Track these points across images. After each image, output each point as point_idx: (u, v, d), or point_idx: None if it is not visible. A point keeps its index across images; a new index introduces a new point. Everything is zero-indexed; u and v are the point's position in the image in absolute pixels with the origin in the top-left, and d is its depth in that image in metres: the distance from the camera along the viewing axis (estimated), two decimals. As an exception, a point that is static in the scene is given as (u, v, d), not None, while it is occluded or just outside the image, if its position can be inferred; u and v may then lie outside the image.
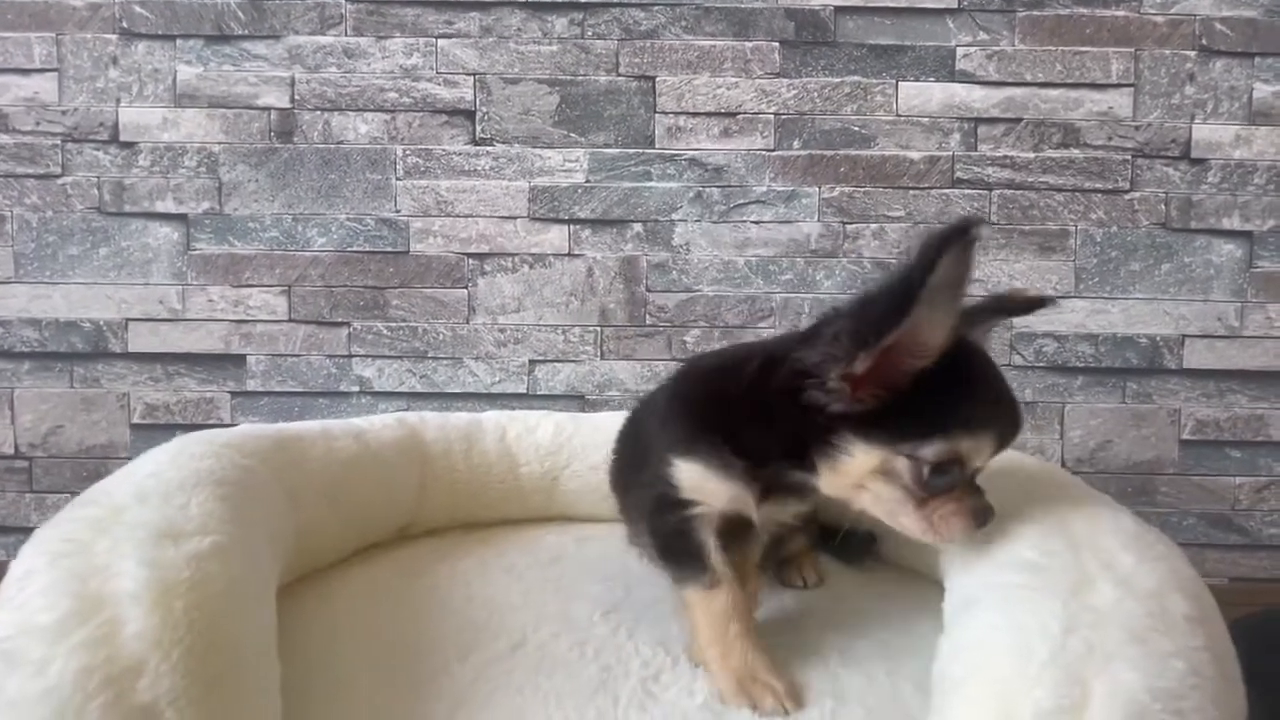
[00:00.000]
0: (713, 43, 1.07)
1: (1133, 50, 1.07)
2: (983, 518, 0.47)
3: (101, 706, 0.33)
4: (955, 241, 0.40)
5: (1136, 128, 1.08)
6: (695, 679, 0.53)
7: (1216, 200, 1.09)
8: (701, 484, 0.53)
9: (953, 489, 0.46)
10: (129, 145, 1.07)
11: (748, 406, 0.51)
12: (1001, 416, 0.48)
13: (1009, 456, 0.68)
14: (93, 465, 1.10)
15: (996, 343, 1.10)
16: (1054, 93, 1.08)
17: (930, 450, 0.45)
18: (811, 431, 0.48)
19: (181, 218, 1.09)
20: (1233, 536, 1.11)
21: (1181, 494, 1.11)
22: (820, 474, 0.49)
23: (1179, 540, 1.10)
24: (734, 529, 0.55)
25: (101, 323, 1.09)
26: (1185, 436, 1.10)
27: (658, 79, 1.08)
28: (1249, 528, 1.11)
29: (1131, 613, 0.37)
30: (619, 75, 1.08)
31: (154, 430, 1.10)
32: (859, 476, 0.47)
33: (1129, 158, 1.08)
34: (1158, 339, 1.10)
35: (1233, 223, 1.09)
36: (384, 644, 0.58)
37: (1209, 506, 1.11)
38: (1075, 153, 1.08)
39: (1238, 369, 1.09)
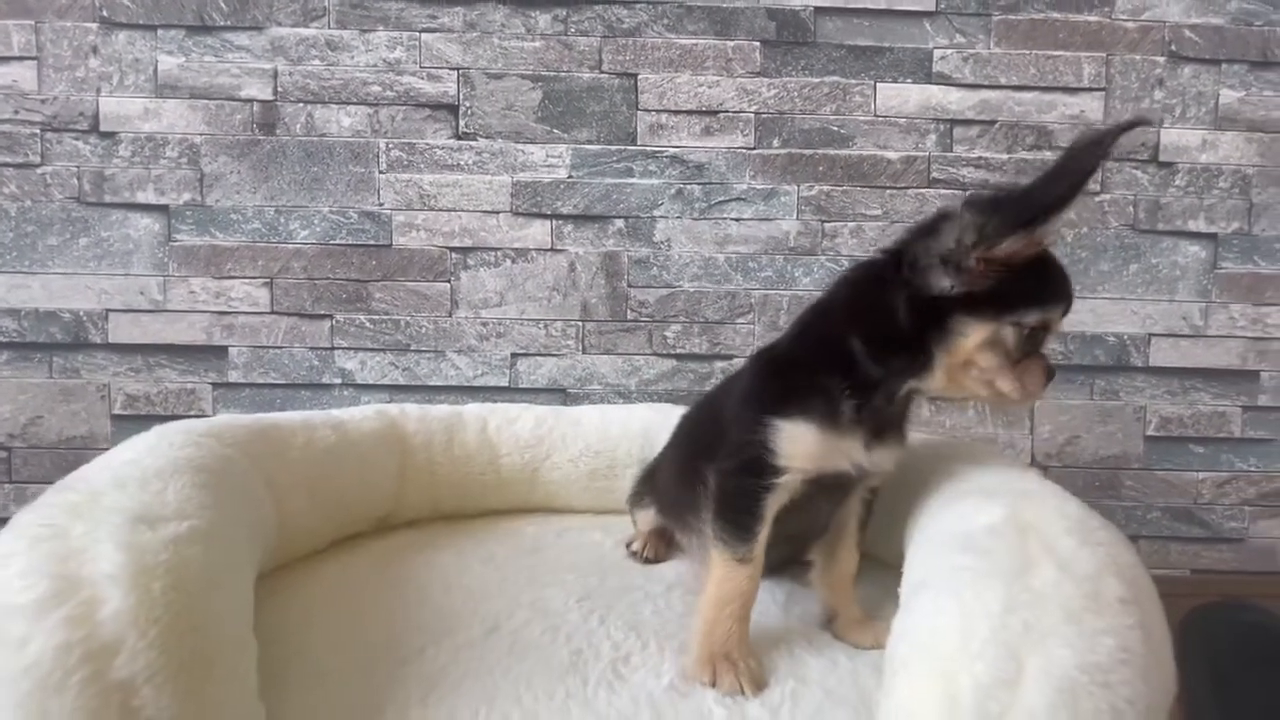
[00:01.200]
0: (695, 41, 1.09)
1: (1104, 55, 1.10)
2: (1051, 372, 0.57)
3: (80, 682, 0.35)
4: (1115, 142, 0.50)
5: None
6: (664, 662, 0.55)
7: (1183, 203, 1.12)
8: (803, 443, 0.56)
9: (1036, 351, 0.56)
10: (109, 135, 1.07)
11: (860, 331, 0.57)
12: (1069, 291, 0.58)
13: (975, 452, 0.70)
14: (73, 456, 1.10)
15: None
16: (1028, 96, 1.10)
17: (1031, 317, 0.55)
18: (929, 322, 0.55)
19: (163, 209, 1.08)
20: (1195, 529, 1.15)
21: (1146, 488, 1.14)
22: (936, 365, 0.56)
23: (1143, 533, 1.15)
24: (823, 492, 0.59)
25: (81, 313, 1.09)
26: (1150, 433, 1.14)
27: (640, 76, 1.09)
28: (1210, 521, 1.15)
29: (1069, 594, 0.39)
30: (602, 72, 1.09)
31: (135, 421, 1.10)
32: (970, 352, 0.55)
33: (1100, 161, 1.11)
34: (1125, 337, 1.13)
35: (1198, 225, 1.12)
36: (360, 630, 0.59)
37: (1172, 500, 1.14)
38: (1048, 154, 1.10)
39: (1201, 367, 1.13)
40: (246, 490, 0.60)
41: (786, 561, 0.70)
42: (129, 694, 0.35)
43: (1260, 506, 1.14)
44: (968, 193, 0.61)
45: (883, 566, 0.68)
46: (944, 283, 0.54)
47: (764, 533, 0.56)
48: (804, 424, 0.56)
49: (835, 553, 0.62)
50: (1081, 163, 0.51)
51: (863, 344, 0.57)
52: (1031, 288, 0.55)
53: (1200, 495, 1.14)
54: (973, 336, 0.55)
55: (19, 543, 0.42)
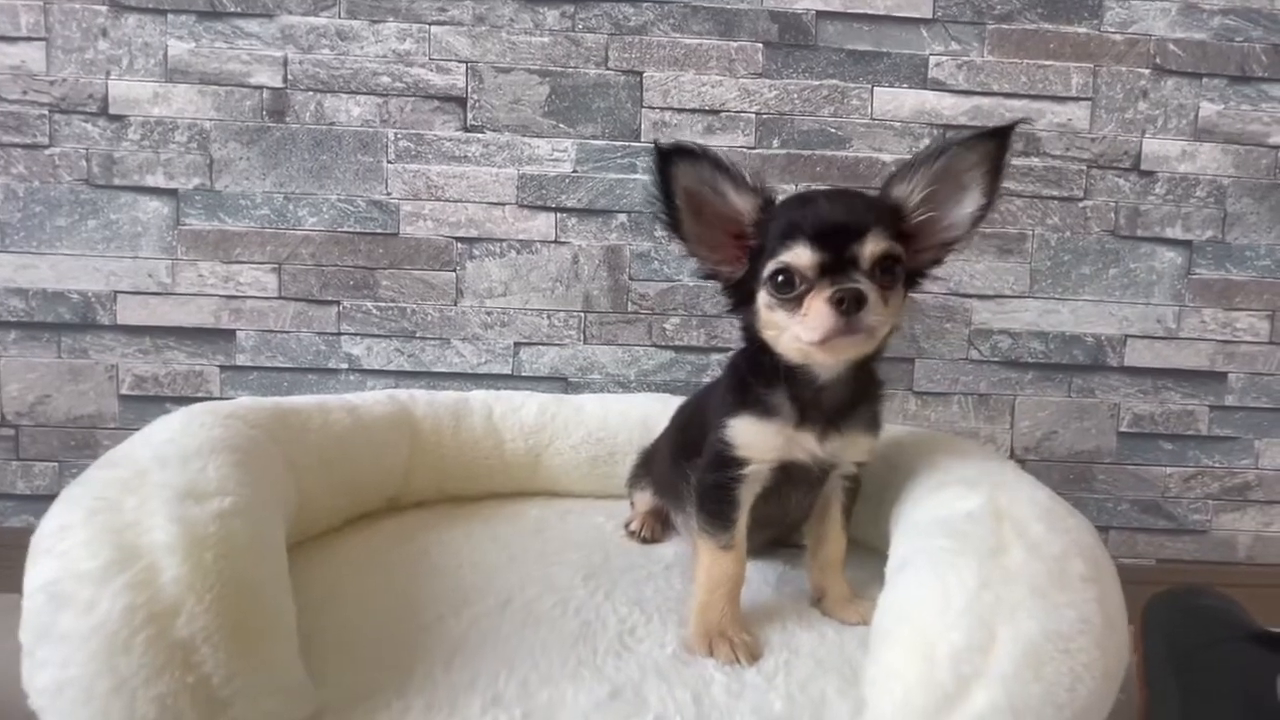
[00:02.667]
0: (699, 41, 1.11)
1: (1092, 66, 1.14)
2: (839, 297, 0.54)
3: (146, 640, 0.38)
4: (672, 162, 0.58)
5: (1092, 140, 1.15)
6: (666, 633, 0.59)
7: (1162, 211, 1.17)
8: (750, 435, 0.61)
9: (809, 292, 0.56)
10: (118, 118, 1.08)
11: (756, 357, 0.63)
12: (806, 218, 0.57)
13: (957, 445, 0.75)
14: (80, 435, 1.12)
15: (955, 338, 1.17)
16: (1018, 103, 1.14)
17: (767, 270, 0.57)
18: (750, 320, 0.62)
19: (171, 192, 1.10)
20: (1161, 521, 1.21)
21: (1117, 482, 1.20)
22: (766, 340, 0.60)
23: (1113, 524, 1.21)
24: (791, 482, 0.63)
25: (90, 294, 1.10)
26: (1123, 429, 1.19)
27: (645, 74, 1.11)
28: (1176, 514, 1.21)
29: (1036, 572, 0.44)
30: (608, 69, 1.11)
31: (143, 401, 1.12)
32: (765, 321, 0.59)
33: (1084, 168, 1.15)
34: (1102, 338, 1.18)
35: (1175, 232, 1.17)
36: (382, 600, 0.63)
37: (1141, 494, 1.21)
38: (1035, 161, 1.15)
39: (1173, 368, 1.19)
40: (272, 468, 0.63)
41: (774, 543, 0.75)
42: (190, 651, 0.39)
43: (1223, 501, 1.21)
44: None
45: (869, 551, 0.72)
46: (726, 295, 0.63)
47: (742, 520, 0.61)
48: (750, 420, 0.61)
49: (823, 537, 0.67)
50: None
51: (745, 341, 0.65)
52: (767, 243, 0.58)
53: (1168, 489, 1.21)
54: (759, 311, 0.60)
55: (75, 514, 0.45)
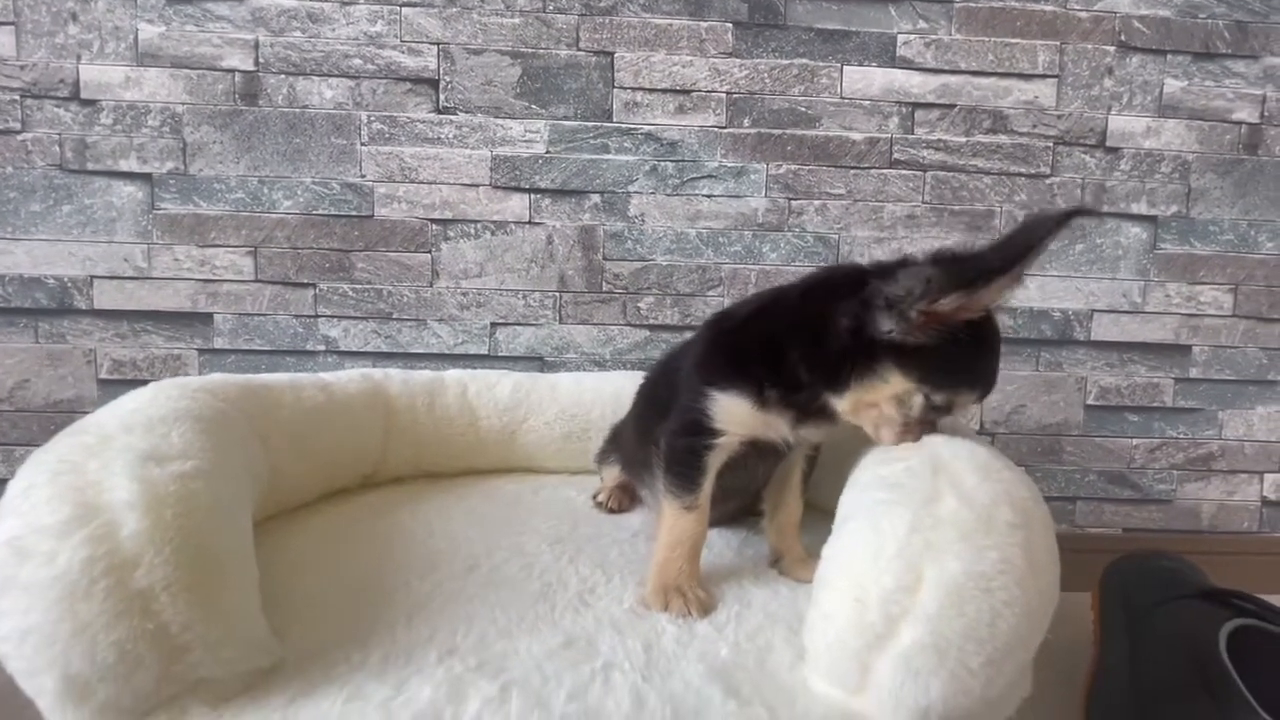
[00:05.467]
0: (669, 21, 1.12)
1: (1058, 43, 1.15)
2: (928, 426, 0.60)
3: (105, 589, 0.40)
4: (1065, 226, 0.52)
5: (1059, 117, 1.17)
6: (625, 592, 0.61)
7: (1127, 186, 1.19)
8: (735, 414, 0.61)
9: (932, 418, 0.60)
10: (90, 103, 1.08)
11: (799, 334, 0.61)
12: (988, 383, 0.62)
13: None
14: (60, 419, 1.13)
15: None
16: (985, 81, 1.16)
17: (941, 396, 0.59)
18: (858, 356, 0.58)
19: (146, 177, 1.10)
20: (1127, 491, 1.24)
21: (1084, 454, 1.23)
22: (849, 393, 0.59)
23: (1080, 495, 1.24)
24: (758, 454, 0.65)
25: (66, 279, 1.11)
26: (1090, 402, 1.22)
27: (616, 55, 1.12)
28: (1142, 484, 1.24)
29: (964, 519, 0.46)
30: (579, 50, 1.12)
31: (121, 385, 1.13)
32: (882, 398, 0.59)
33: (1051, 145, 1.17)
34: (1069, 313, 1.20)
35: (1140, 208, 1.19)
36: (349, 568, 0.65)
37: (1108, 465, 1.23)
38: (1003, 138, 1.16)
39: (1138, 341, 1.21)
40: (239, 439, 0.65)
41: (740, 513, 0.77)
42: (149, 600, 0.40)
43: (1187, 471, 1.24)
44: (935, 249, 0.60)
45: (826, 515, 0.74)
46: (885, 326, 0.56)
47: (707, 484, 0.63)
48: (736, 398, 0.61)
49: (781, 501, 0.69)
50: (1032, 236, 0.53)
51: (798, 352, 0.61)
52: (956, 366, 0.57)
53: (1133, 460, 1.23)
54: (890, 386, 0.58)
55: (40, 475, 0.46)
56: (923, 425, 0.60)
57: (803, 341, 0.61)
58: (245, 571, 0.48)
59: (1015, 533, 0.45)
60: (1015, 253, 0.53)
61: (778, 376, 0.61)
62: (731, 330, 0.67)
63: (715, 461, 0.63)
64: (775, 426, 0.62)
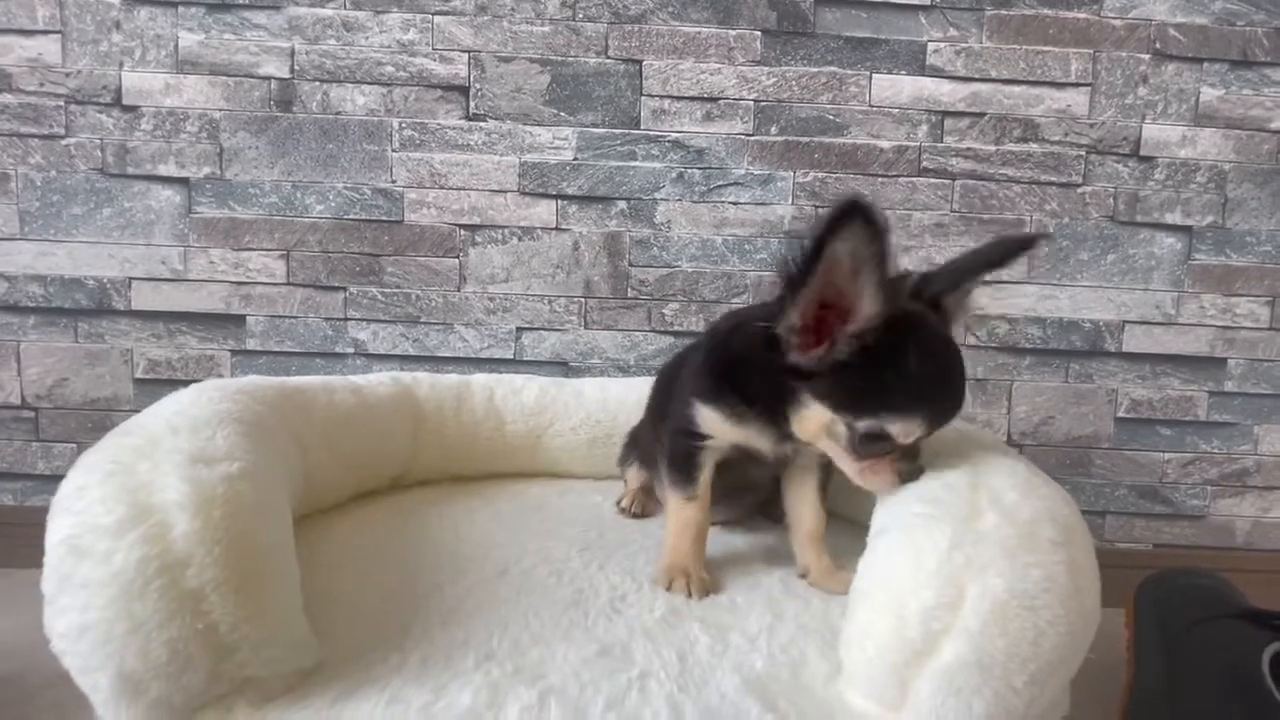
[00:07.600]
0: (698, 29, 1.13)
1: (1091, 51, 1.14)
2: (907, 479, 0.55)
3: (159, 588, 0.41)
4: (850, 217, 0.46)
5: (1091, 125, 1.15)
6: (656, 600, 0.61)
7: (1161, 196, 1.17)
8: (714, 424, 0.64)
9: (886, 454, 0.55)
10: (131, 109, 1.11)
11: (747, 363, 0.61)
12: (934, 403, 0.54)
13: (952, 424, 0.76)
14: (98, 417, 1.16)
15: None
16: (1016, 89, 1.15)
17: (862, 425, 0.54)
18: (785, 387, 0.57)
19: (183, 181, 1.13)
20: (1158, 506, 1.22)
21: (1115, 467, 1.21)
22: (794, 420, 0.58)
23: (1110, 509, 1.22)
24: (752, 459, 0.66)
25: (105, 280, 1.14)
26: (1120, 414, 1.20)
27: (644, 63, 1.13)
28: (1174, 499, 1.21)
29: (1007, 535, 0.45)
30: (608, 58, 1.13)
31: (157, 385, 1.15)
32: (813, 430, 0.58)
33: (1083, 153, 1.16)
34: (1100, 324, 1.19)
35: (1174, 218, 1.17)
36: (383, 569, 0.65)
37: (1139, 479, 1.21)
38: (1034, 147, 1.15)
39: (1171, 354, 1.19)
40: (278, 441, 0.66)
41: (753, 513, 0.79)
42: (199, 600, 0.41)
43: (1221, 486, 1.21)
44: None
45: (857, 526, 0.74)
46: (783, 350, 0.53)
47: (704, 479, 0.66)
48: (714, 410, 0.63)
49: (801, 514, 0.69)
50: (821, 233, 0.47)
51: (757, 373, 0.58)
52: (873, 390, 0.51)
53: (1165, 475, 1.21)
54: (814, 415, 0.54)
55: (92, 477, 0.47)
56: (885, 464, 0.54)
57: (751, 370, 0.59)
58: (288, 571, 0.49)
59: (1058, 550, 0.45)
60: (811, 251, 0.48)
61: (743, 395, 0.61)
62: (721, 342, 0.67)
63: (709, 460, 0.66)
64: (755, 440, 0.64)
